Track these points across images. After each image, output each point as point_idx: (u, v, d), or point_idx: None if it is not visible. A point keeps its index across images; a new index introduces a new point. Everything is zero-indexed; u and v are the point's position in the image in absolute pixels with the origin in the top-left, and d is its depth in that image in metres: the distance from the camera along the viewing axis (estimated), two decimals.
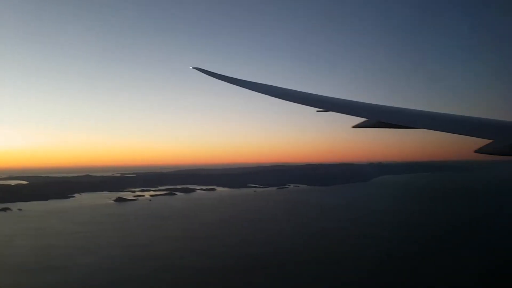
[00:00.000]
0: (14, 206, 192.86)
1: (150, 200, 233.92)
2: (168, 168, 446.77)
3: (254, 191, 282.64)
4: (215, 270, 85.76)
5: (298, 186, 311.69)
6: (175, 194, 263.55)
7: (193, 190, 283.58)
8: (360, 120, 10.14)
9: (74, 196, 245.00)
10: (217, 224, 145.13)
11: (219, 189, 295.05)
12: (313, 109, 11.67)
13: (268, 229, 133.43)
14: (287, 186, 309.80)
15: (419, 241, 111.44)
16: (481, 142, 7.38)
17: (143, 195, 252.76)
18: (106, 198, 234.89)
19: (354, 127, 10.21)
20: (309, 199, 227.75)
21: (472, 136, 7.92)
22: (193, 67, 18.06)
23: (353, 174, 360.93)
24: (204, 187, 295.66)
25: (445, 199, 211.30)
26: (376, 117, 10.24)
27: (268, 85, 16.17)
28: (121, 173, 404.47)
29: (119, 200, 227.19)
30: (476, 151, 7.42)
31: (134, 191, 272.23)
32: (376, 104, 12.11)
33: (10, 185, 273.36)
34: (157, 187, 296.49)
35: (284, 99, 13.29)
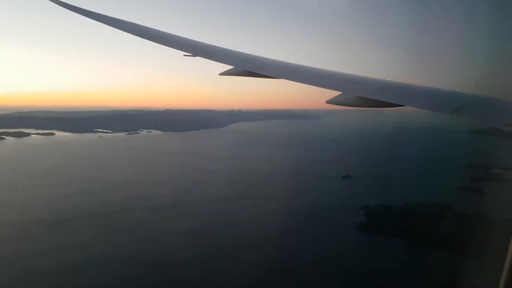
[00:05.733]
0: None
1: None
2: (1, 110, 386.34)
3: (100, 136, 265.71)
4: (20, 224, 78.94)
5: (151, 132, 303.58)
6: (3, 138, 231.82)
7: (28, 134, 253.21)
8: (227, 67, 10.29)
9: None
10: (40, 173, 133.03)
11: (59, 133, 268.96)
12: (181, 53, 11.26)
13: (96, 177, 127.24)
14: (139, 131, 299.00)
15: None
16: (332, 93, 8.25)
17: None
18: None
19: (221, 74, 10.31)
20: (155, 145, 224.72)
21: (325, 88, 8.73)
22: None
23: (210, 121, 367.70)
24: (41, 131, 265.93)
25: (277, 144, 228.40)
26: (242, 66, 10.34)
27: (132, 22, 14.50)
28: None
29: None
30: (327, 102, 8.19)
31: None
32: (243, 53, 12.20)
33: None
34: None
35: (148, 40, 12.33)
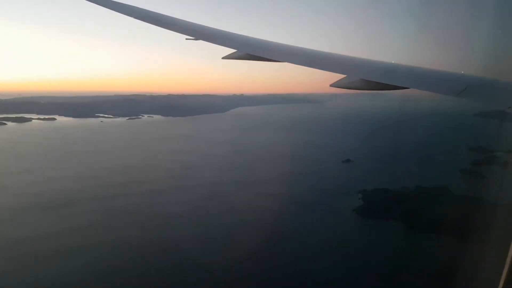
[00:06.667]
0: None
1: None
2: (2, 95, 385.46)
3: (101, 121, 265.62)
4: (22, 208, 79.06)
5: (153, 117, 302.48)
6: (4, 124, 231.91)
7: (29, 119, 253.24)
8: (230, 51, 10.26)
9: None
10: (41, 157, 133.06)
11: (61, 118, 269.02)
12: (183, 37, 11.22)
13: (96, 162, 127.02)
14: (140, 116, 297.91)
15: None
16: (336, 76, 8.12)
17: None
18: None
19: (224, 58, 10.33)
20: (156, 130, 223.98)
21: (329, 71, 8.59)
22: None
23: (212, 105, 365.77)
24: (42, 117, 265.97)
25: (280, 128, 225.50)
26: (245, 49, 10.24)
27: (133, 6, 14.16)
28: None
29: None
30: (331, 85, 8.17)
31: None
32: (246, 36, 12.03)
33: None
34: None
35: (150, 23, 12.21)
